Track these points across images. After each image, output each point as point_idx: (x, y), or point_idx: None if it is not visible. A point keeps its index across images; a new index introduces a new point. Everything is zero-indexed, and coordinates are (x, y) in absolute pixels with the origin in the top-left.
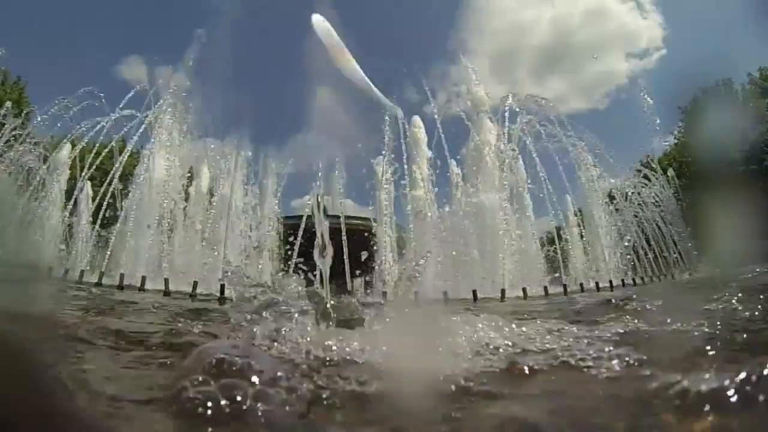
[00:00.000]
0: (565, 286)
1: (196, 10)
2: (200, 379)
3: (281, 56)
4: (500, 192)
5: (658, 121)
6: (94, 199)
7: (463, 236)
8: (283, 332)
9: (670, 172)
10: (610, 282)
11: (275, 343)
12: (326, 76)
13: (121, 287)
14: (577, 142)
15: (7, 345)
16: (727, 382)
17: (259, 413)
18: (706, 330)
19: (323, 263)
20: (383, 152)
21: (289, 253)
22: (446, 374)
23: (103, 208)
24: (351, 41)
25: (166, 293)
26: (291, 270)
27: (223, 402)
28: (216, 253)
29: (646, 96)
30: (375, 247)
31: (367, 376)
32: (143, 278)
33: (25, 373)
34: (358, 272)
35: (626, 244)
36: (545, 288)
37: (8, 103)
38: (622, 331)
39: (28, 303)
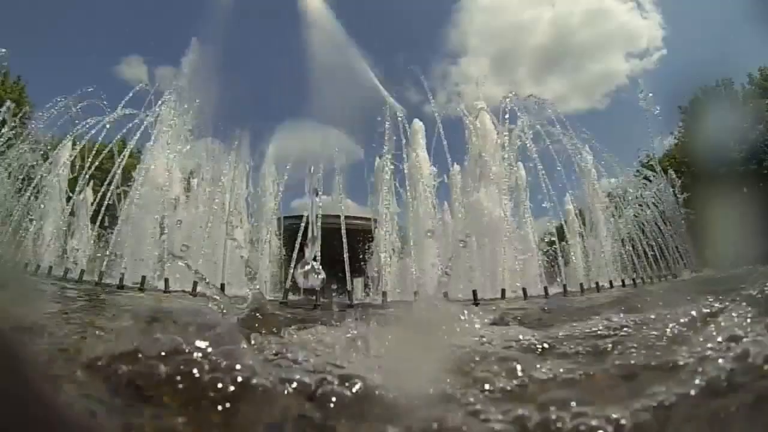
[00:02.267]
0: (564, 286)
1: (196, 10)
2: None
3: (281, 55)
4: (500, 192)
5: (658, 119)
6: (94, 199)
7: (462, 237)
8: None
9: (671, 172)
10: (610, 282)
11: None
12: (326, 75)
13: (121, 287)
14: (577, 142)
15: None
16: None
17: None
18: None
19: None
20: (384, 154)
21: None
22: None
23: (104, 207)
24: (351, 41)
25: (166, 292)
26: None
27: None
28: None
29: (648, 95)
30: (372, 247)
31: None
32: (143, 278)
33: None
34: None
35: (624, 243)
36: (545, 288)
37: (8, 103)
38: None
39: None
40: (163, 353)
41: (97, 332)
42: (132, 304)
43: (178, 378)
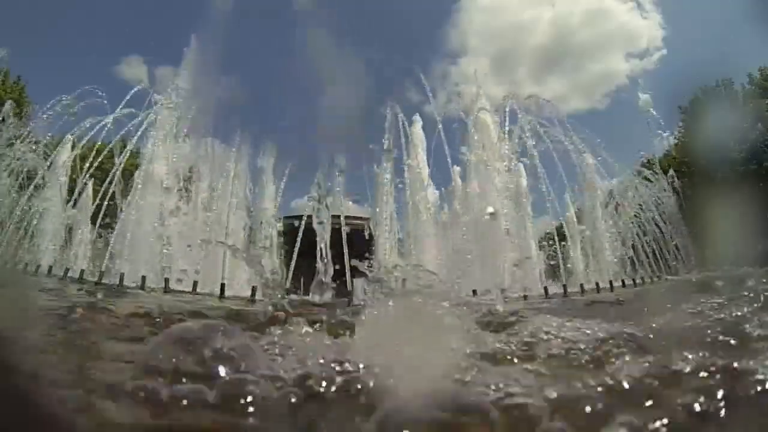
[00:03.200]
0: (565, 286)
1: (196, 10)
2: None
3: (281, 55)
4: (500, 193)
5: (659, 121)
6: (94, 199)
7: (463, 237)
8: None
9: (671, 172)
10: (610, 282)
11: None
12: (326, 74)
13: (121, 286)
14: (578, 142)
15: None
16: None
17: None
18: None
19: None
20: (384, 155)
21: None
22: None
23: (104, 207)
24: (351, 41)
25: (166, 291)
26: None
27: None
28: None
29: (646, 97)
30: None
31: None
32: (143, 278)
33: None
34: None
35: (625, 245)
36: (545, 288)
37: (9, 102)
38: None
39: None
40: None
41: None
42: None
43: None
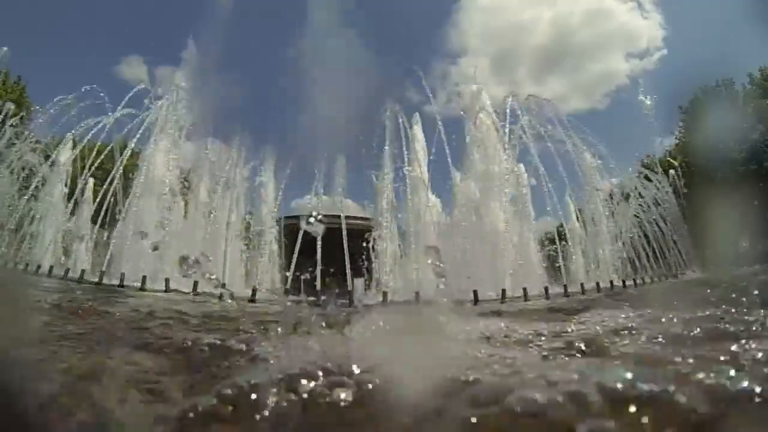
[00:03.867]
0: (565, 286)
1: (196, 10)
2: None
3: (281, 55)
4: (500, 193)
5: (658, 121)
6: (95, 199)
7: (463, 237)
8: None
9: (671, 172)
10: (611, 282)
11: None
12: (326, 74)
13: (122, 286)
14: (578, 142)
15: None
16: None
17: None
18: None
19: None
20: (385, 151)
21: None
22: None
23: (104, 207)
24: (351, 41)
25: (167, 291)
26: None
27: None
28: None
29: (646, 98)
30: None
31: None
32: (144, 278)
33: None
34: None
35: (624, 244)
36: (546, 288)
37: (10, 104)
38: None
39: None
40: None
41: None
42: None
43: None
